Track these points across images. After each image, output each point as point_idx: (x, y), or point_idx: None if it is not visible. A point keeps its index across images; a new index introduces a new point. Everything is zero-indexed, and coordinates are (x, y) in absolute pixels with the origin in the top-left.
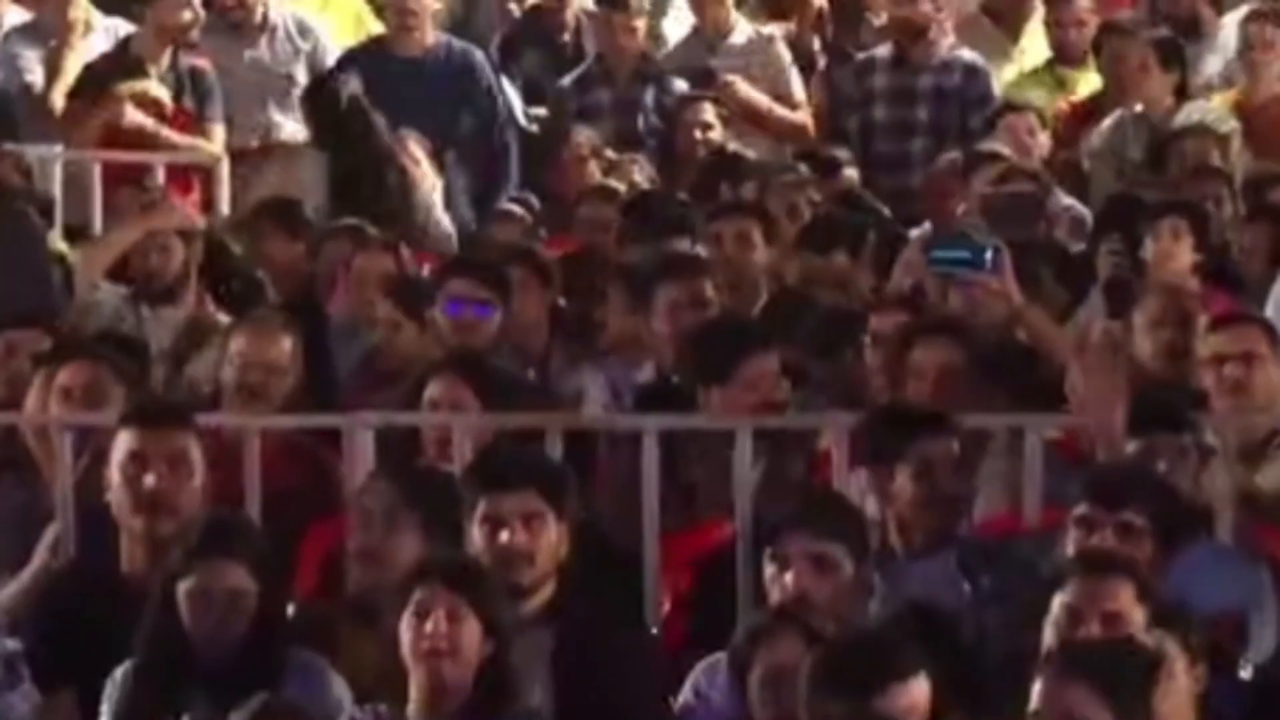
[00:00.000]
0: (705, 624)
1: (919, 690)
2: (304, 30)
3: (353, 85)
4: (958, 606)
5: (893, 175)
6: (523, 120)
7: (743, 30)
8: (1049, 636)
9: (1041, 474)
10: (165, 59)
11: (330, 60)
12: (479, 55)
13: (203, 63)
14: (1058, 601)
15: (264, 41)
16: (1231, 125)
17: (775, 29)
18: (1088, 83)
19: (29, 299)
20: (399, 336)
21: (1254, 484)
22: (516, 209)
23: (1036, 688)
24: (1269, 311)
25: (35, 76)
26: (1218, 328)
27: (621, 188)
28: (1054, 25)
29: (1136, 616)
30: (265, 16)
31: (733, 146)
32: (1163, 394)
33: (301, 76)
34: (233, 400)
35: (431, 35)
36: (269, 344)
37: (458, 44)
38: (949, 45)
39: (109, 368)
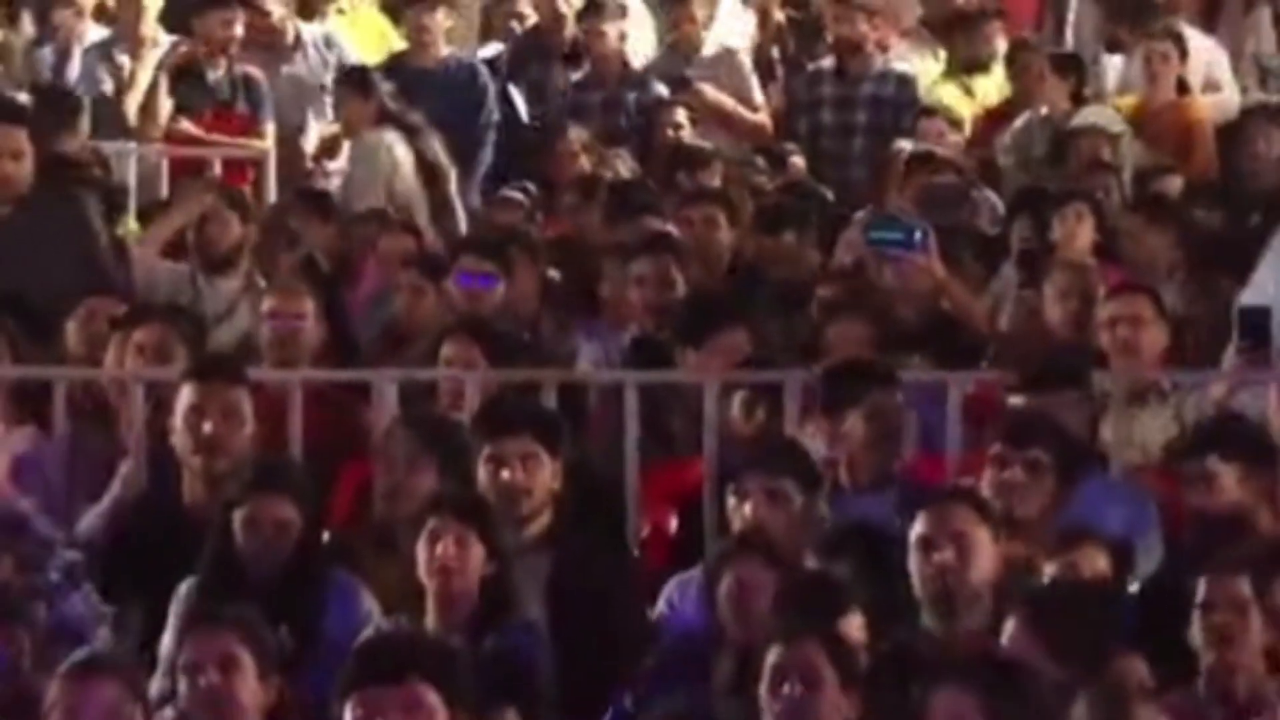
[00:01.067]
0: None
1: (853, 624)
2: (330, 43)
3: (386, 87)
4: (897, 535)
5: (836, 168)
6: (525, 119)
7: (712, 44)
8: (911, 564)
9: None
10: (221, 67)
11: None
12: (483, 68)
13: (255, 71)
14: (912, 536)
15: (298, 57)
16: (1121, 127)
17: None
18: (986, 86)
19: (78, 276)
20: (421, 302)
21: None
22: (517, 195)
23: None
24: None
25: (109, 85)
26: (1112, 296)
27: (608, 176)
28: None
29: (980, 535)
30: (298, 36)
31: (690, 140)
32: (1064, 354)
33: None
34: (268, 351)
35: (445, 49)
36: (294, 300)
37: (465, 58)
38: (884, 60)
39: (176, 330)
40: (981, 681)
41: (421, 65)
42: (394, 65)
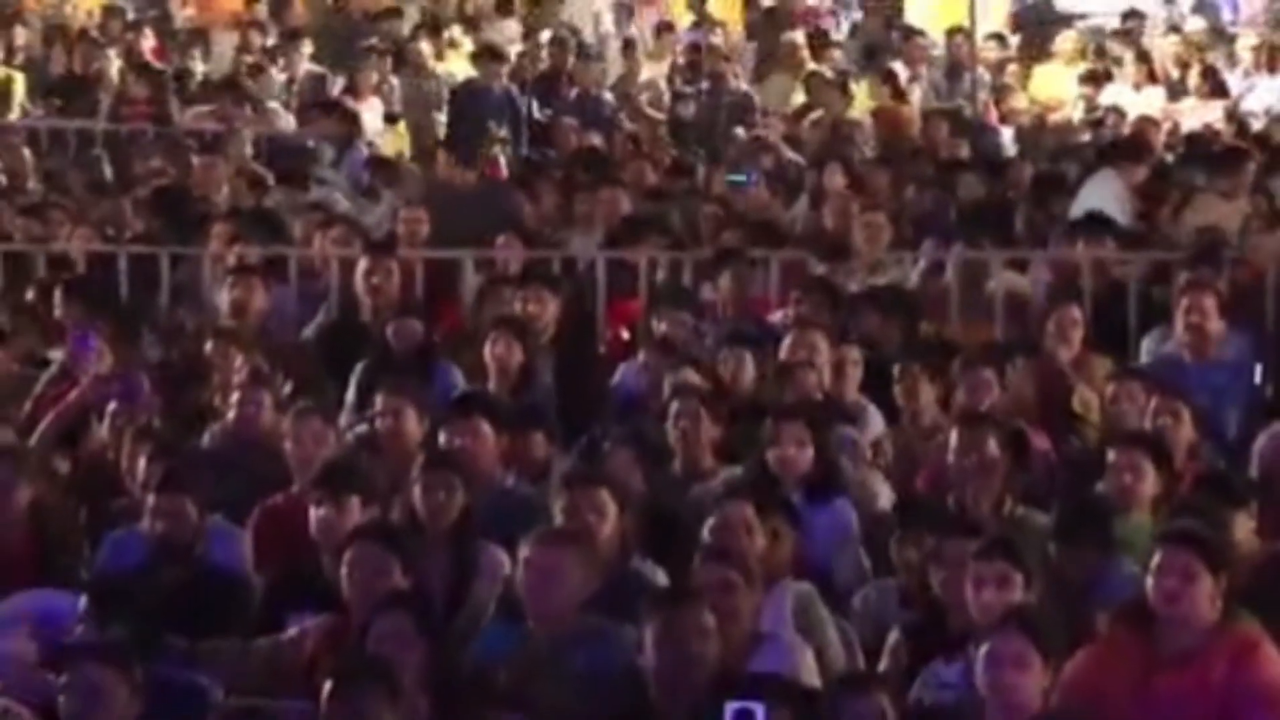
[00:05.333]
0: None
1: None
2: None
3: None
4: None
5: (707, 144)
6: (539, 116)
7: (644, 74)
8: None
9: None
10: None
11: None
12: (515, 90)
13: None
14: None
15: (434, 82)
16: (866, 119)
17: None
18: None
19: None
20: None
21: None
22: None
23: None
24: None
25: None
26: (863, 213)
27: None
28: None
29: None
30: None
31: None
32: (838, 243)
33: None
34: (403, 240)
35: (504, 80)
36: (418, 213)
37: (510, 86)
38: (737, 83)
39: (356, 229)
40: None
41: (489, 88)
42: (474, 87)
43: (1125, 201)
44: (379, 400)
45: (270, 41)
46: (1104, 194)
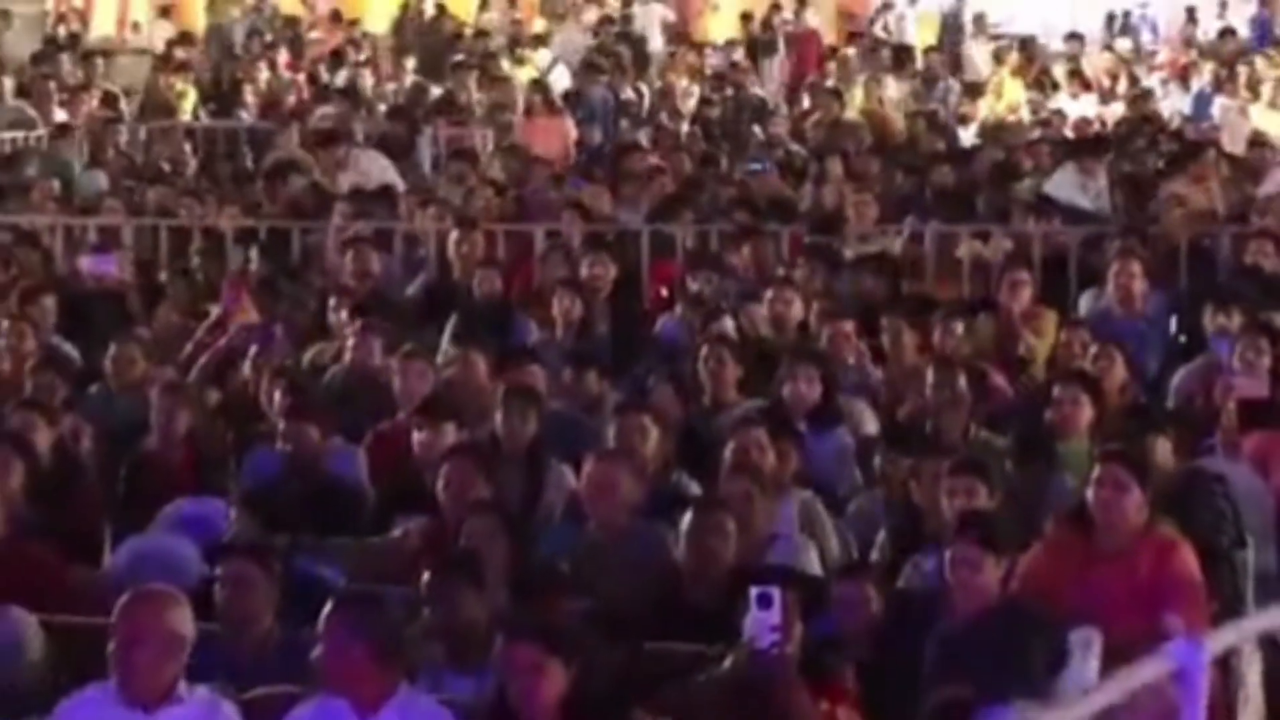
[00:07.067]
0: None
1: (727, 325)
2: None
3: None
4: None
5: (733, 142)
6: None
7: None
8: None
9: None
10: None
11: None
12: (609, 94)
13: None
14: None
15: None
16: (860, 120)
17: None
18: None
19: None
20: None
21: None
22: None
23: None
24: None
25: None
26: (855, 193)
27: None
28: None
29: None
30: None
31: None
32: (834, 215)
33: None
34: (482, 215)
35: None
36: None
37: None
38: (754, 91)
39: (448, 207)
40: None
41: (589, 92)
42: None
43: (1086, 189)
44: (445, 350)
45: (363, 56)
46: (1068, 184)
